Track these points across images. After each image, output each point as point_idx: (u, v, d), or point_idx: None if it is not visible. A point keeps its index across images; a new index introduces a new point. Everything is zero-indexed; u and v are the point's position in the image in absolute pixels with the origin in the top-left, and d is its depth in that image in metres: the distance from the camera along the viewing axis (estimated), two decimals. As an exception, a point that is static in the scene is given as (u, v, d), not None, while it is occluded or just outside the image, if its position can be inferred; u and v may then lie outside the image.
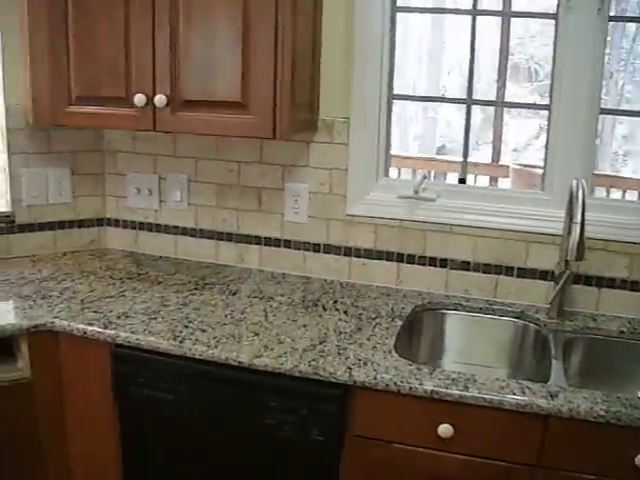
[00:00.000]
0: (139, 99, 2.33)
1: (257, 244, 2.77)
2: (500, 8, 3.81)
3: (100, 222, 3.01)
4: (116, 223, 3.00)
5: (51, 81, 2.44)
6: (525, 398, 1.80)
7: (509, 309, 2.46)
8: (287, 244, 2.72)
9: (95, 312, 2.32)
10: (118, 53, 2.34)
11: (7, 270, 2.73)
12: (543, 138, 2.98)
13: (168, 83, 2.31)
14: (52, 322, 2.25)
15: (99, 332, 2.19)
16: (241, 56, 2.21)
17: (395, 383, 1.87)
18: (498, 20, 5.92)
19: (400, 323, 2.28)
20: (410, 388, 1.86)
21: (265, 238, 2.76)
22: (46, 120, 2.53)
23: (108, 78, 2.39)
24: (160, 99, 2.31)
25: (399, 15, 2.53)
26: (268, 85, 2.20)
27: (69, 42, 2.39)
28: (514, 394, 1.82)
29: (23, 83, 2.58)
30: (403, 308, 2.42)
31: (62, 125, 2.57)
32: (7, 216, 2.85)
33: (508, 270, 2.51)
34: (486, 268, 2.53)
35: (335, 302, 2.46)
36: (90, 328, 2.21)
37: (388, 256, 2.60)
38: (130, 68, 2.35)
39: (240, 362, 2.02)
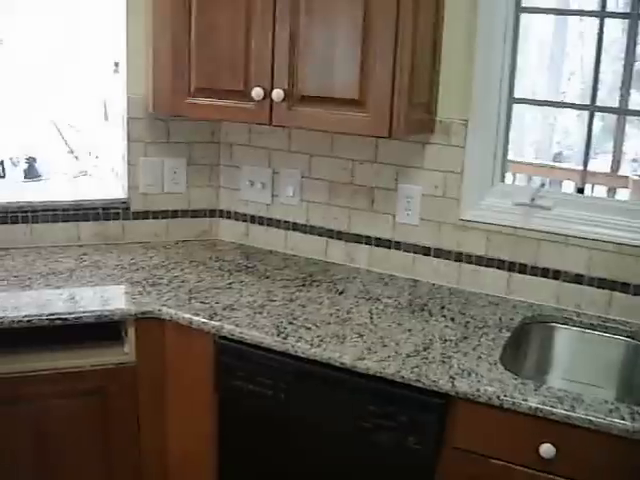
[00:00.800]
0: (257, 93, 2.34)
1: (367, 244, 2.74)
2: (625, 9, 3.67)
3: (212, 213, 3.04)
4: (228, 215, 3.03)
5: (172, 73, 2.49)
6: (636, 425, 1.71)
7: (622, 327, 2.35)
8: (397, 246, 2.68)
9: (202, 302, 2.34)
10: (238, 47, 2.36)
11: (120, 255, 2.79)
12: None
13: (286, 78, 2.31)
14: (159, 310, 2.29)
15: (204, 323, 2.21)
16: (360, 54, 2.19)
17: (498, 397, 1.81)
18: (621, 23, 5.70)
19: (507, 334, 2.20)
20: (513, 403, 1.80)
21: (375, 238, 2.72)
22: (166, 110, 2.59)
23: (227, 71, 2.41)
24: (278, 94, 2.32)
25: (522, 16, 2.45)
26: (386, 84, 2.17)
27: (191, 35, 2.43)
28: (623, 419, 1.72)
29: (145, 74, 2.64)
30: (512, 319, 2.34)
31: (181, 116, 2.63)
32: (123, 202, 2.92)
33: (623, 286, 2.39)
34: (600, 283, 2.42)
35: (442, 308, 2.40)
36: (196, 318, 2.23)
37: (499, 264, 2.52)
38: (249, 62, 2.36)
39: (342, 363, 1.99)
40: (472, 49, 2.42)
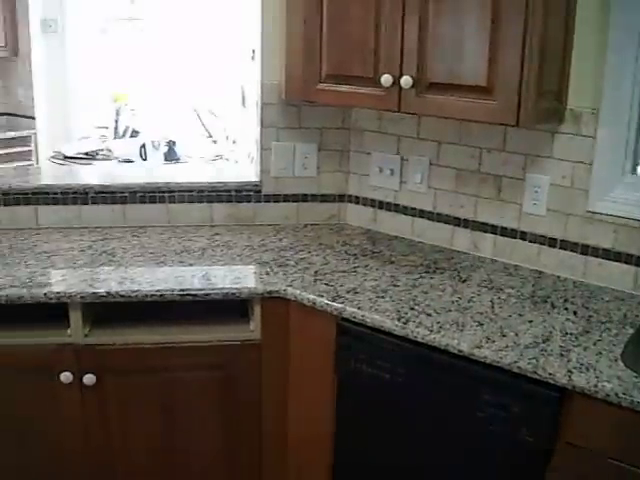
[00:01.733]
0: (386, 79, 2.36)
1: (492, 233, 2.71)
2: None
3: (341, 198, 3.09)
4: (356, 200, 3.07)
5: (304, 59, 2.55)
6: None
7: None
8: (523, 236, 2.64)
9: (326, 285, 2.40)
10: (368, 34, 2.39)
11: (251, 236, 2.89)
12: None
13: (415, 65, 2.32)
14: (285, 290, 2.36)
15: (327, 304, 2.27)
16: (489, 40, 2.16)
17: (617, 394, 1.77)
18: None
19: (631, 331, 2.14)
20: (632, 402, 1.75)
21: (501, 228, 2.69)
22: (297, 96, 2.66)
23: (357, 58, 2.44)
24: (406, 80, 2.33)
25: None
26: (515, 71, 2.14)
27: (322, 22, 2.48)
28: None
29: (279, 61, 2.71)
30: (637, 316, 2.27)
31: (311, 102, 2.68)
32: (256, 185, 3.01)
33: None
34: None
35: (565, 301, 2.36)
36: (319, 299, 2.29)
37: (627, 259, 2.44)
38: (379, 49, 2.39)
39: (460, 350, 2.00)
40: (604, 37, 2.35)
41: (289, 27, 2.59)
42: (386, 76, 2.36)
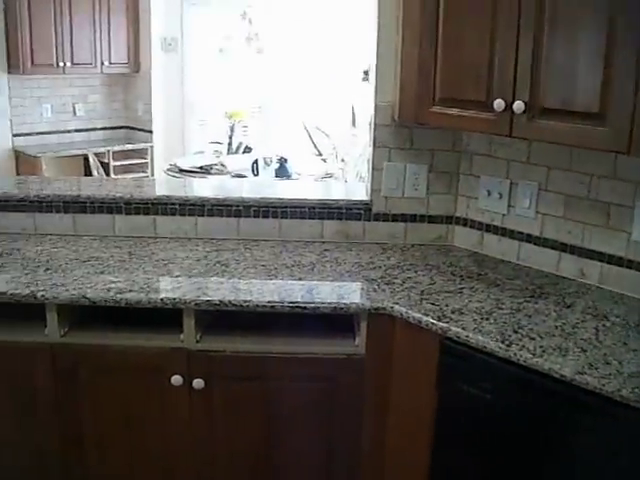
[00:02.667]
0: (499, 104, 2.38)
1: (599, 260, 2.68)
2: None
3: (449, 220, 3.11)
4: (464, 222, 3.09)
5: (418, 82, 2.61)
6: None
7: None
8: (630, 264, 2.60)
9: (432, 304, 2.44)
10: (482, 59, 2.42)
11: (359, 254, 2.95)
12: None
13: (527, 90, 2.33)
14: (392, 307, 2.42)
15: (433, 323, 2.31)
16: (603, 66, 2.16)
17: None
18: None
19: None
20: None
21: (608, 255, 2.66)
22: (410, 118, 2.72)
23: (471, 82, 2.48)
24: (519, 105, 2.34)
25: None
26: (628, 98, 2.12)
27: (438, 46, 2.53)
28: None
29: (393, 83, 2.79)
30: None
31: (424, 124, 2.73)
32: (366, 204, 3.08)
33: None
34: None
35: (673, 331, 2.33)
36: (425, 318, 2.33)
37: None
38: (492, 74, 2.41)
39: (562, 375, 2.01)
40: None
41: (404, 50, 2.66)
42: (499, 101, 2.38)
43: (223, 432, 2.59)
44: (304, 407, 2.56)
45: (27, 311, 2.48)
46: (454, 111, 2.55)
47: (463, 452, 2.35)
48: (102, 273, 2.63)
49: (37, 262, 2.75)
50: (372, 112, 3.01)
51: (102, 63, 7.88)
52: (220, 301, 2.41)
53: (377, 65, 2.93)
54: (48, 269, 2.67)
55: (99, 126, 8.39)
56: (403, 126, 2.95)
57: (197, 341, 2.48)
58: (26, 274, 2.61)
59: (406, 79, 2.67)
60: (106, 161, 7.75)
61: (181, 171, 6.31)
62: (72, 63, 7.67)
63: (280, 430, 2.59)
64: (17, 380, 2.55)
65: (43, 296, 2.43)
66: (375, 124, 3.00)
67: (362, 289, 2.59)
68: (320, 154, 7.53)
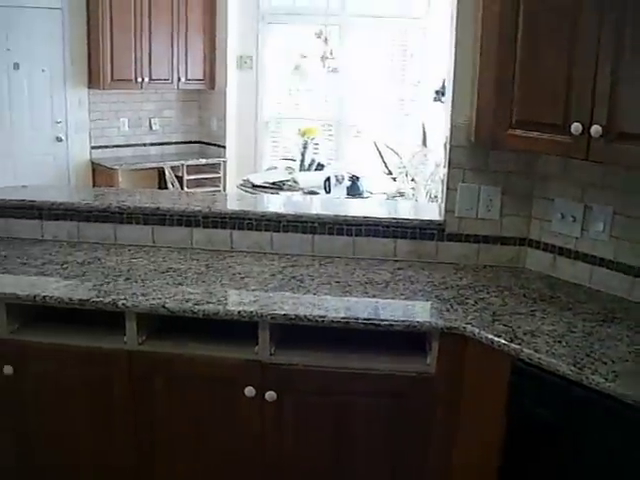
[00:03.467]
0: (576, 128, 2.38)
1: (673, 286, 2.67)
2: None
3: (522, 242, 3.11)
4: (537, 245, 3.08)
5: (496, 104, 2.63)
6: None
7: None
8: None
9: (504, 325, 2.45)
10: (560, 82, 2.43)
11: (432, 273, 2.98)
12: None
13: (605, 114, 2.33)
14: (464, 327, 2.44)
15: (505, 344, 2.32)
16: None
17: None
18: None
19: None
20: None
21: (684, 282, 2.64)
22: (486, 140, 2.73)
23: (548, 105, 2.49)
24: (596, 129, 2.34)
25: None
26: None
27: (515, 69, 2.54)
28: None
29: (470, 104, 2.81)
30: None
31: (500, 147, 2.74)
32: (439, 224, 3.11)
33: None
34: None
35: None
36: (497, 339, 2.35)
37: None
38: (570, 97, 2.41)
39: (635, 401, 2.00)
40: None
41: (482, 73, 2.67)
42: (576, 124, 2.38)
43: (292, 444, 2.63)
44: (373, 423, 2.59)
45: (103, 318, 2.58)
46: (531, 134, 2.55)
47: (532, 473, 2.35)
48: (180, 284, 2.71)
49: (118, 271, 2.85)
50: (447, 133, 3.05)
51: (179, 79, 8.08)
52: (296, 315, 2.46)
53: (454, 87, 2.97)
54: (128, 278, 2.76)
55: (173, 140, 8.60)
56: (478, 148, 2.96)
57: (271, 354, 2.53)
58: (107, 283, 2.70)
59: (483, 102, 2.68)
60: (180, 175, 7.92)
61: (254, 186, 6.41)
62: (150, 79, 7.89)
63: (347, 444, 2.62)
64: (96, 385, 2.64)
65: (124, 304, 2.52)
66: (450, 145, 3.03)
67: (435, 308, 2.62)
68: (390, 173, 7.56)
